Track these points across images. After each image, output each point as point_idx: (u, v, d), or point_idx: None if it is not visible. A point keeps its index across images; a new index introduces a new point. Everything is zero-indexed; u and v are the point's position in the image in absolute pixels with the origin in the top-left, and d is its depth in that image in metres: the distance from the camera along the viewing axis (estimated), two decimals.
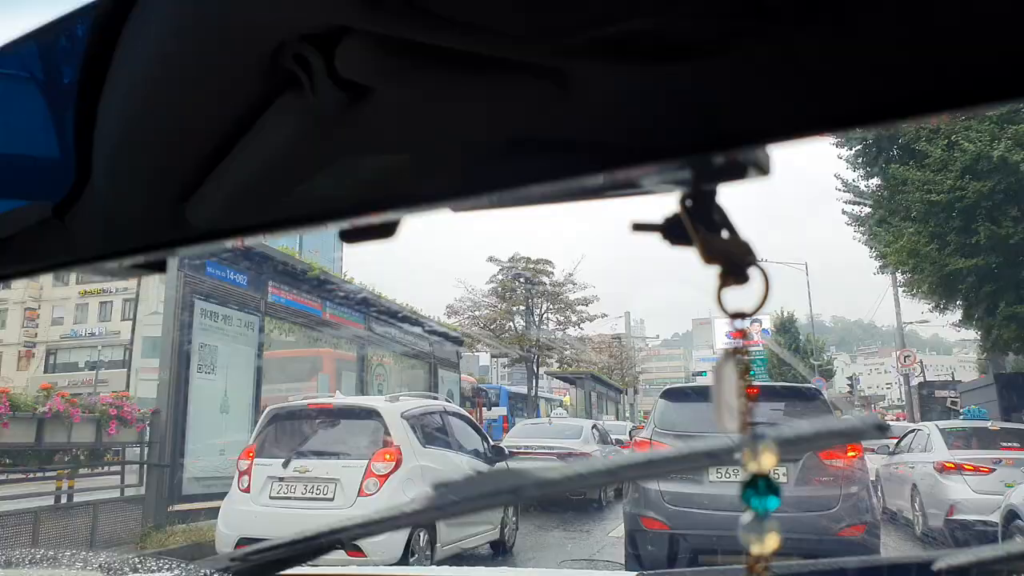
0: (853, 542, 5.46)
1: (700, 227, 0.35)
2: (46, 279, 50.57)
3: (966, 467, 8.67)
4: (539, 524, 10.29)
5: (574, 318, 28.68)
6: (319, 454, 5.89)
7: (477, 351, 29.47)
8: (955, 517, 8.42)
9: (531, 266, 27.60)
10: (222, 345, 8.29)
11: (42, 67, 0.46)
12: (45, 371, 47.23)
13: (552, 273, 28.36)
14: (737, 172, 0.33)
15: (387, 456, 5.77)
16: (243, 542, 5.75)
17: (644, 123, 0.31)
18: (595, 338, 35.81)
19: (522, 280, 27.01)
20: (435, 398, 8.85)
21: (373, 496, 5.63)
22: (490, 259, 28.28)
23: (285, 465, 5.83)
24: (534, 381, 27.48)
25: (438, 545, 6.05)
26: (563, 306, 28.26)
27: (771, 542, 0.36)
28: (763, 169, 0.33)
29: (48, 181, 0.46)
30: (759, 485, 0.36)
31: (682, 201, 0.36)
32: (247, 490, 5.90)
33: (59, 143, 0.44)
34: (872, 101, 0.28)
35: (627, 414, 42.34)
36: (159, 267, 0.50)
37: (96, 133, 0.42)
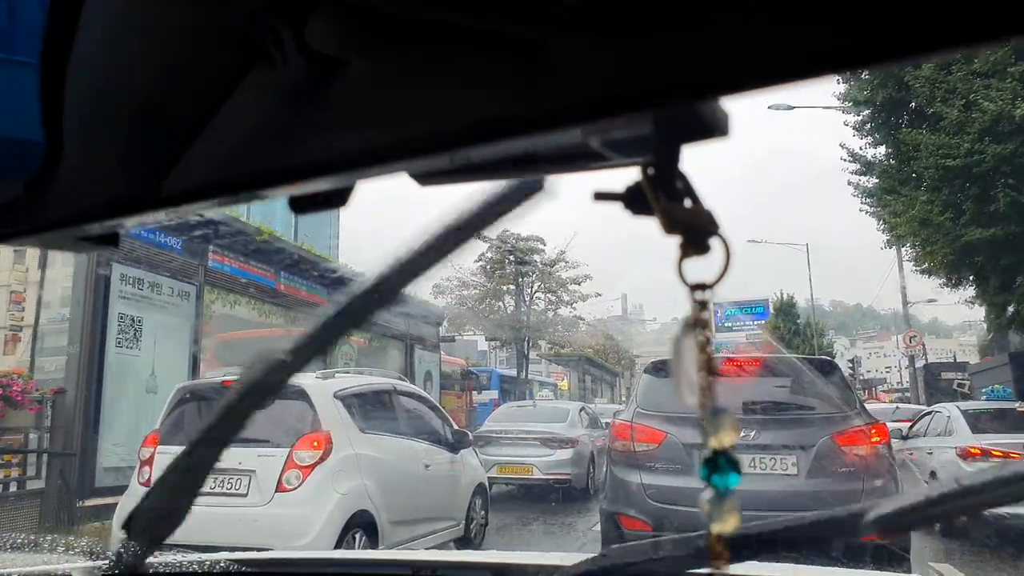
0: (879, 547, 4.49)
1: (662, 196, 0.34)
2: (32, 261, 49.99)
3: (994, 453, 7.90)
4: (518, 516, 9.45)
5: (566, 297, 27.61)
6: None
7: (463, 333, 28.42)
8: None
9: (521, 243, 26.48)
10: (148, 316, 7.26)
11: (1, 42, 0.44)
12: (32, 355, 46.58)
13: (543, 250, 27.25)
14: (700, 131, 0.32)
15: (314, 443, 4.80)
16: None
17: (615, 85, 0.30)
18: (590, 320, 34.87)
19: (512, 258, 25.90)
20: (401, 378, 8.00)
21: (294, 491, 4.68)
22: (478, 236, 27.05)
23: None
24: (525, 364, 26.53)
25: (381, 547, 5.15)
26: (555, 285, 27.18)
27: (731, 521, 0.34)
28: (722, 128, 0.32)
29: (17, 158, 0.44)
30: (719, 462, 0.34)
31: (643, 169, 0.35)
32: (147, 483, 4.94)
33: (26, 120, 0.43)
34: (861, 37, 0.26)
35: (622, 397, 41.77)
36: (111, 240, 0.48)
37: (65, 108, 0.41)
